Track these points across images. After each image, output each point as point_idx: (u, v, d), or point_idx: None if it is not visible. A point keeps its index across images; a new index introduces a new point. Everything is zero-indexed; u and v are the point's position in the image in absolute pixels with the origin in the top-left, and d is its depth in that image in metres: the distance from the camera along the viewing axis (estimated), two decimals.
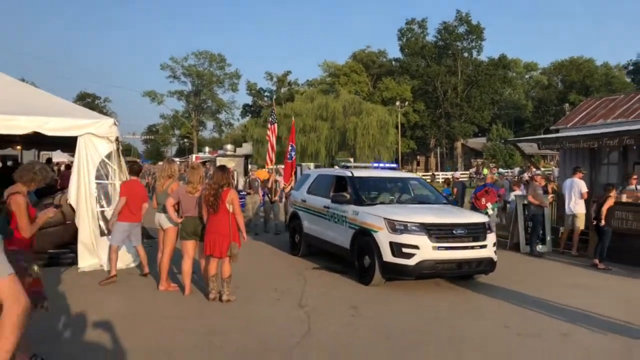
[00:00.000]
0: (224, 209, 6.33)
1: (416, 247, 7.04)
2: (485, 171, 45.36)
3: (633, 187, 10.72)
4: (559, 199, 11.75)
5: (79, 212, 8.08)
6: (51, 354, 4.64)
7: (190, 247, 6.84)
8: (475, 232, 7.48)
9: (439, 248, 7.12)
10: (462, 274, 7.72)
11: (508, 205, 14.11)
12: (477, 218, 7.98)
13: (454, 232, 7.32)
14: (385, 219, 7.38)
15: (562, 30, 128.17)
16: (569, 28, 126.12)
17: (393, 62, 69.08)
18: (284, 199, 13.56)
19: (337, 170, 10.15)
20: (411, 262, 7.02)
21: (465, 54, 62.64)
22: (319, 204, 9.36)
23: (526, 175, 23.91)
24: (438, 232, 7.22)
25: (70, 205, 8.20)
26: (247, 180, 13.98)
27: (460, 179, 19.57)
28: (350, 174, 9.02)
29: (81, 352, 4.77)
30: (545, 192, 11.83)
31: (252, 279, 7.83)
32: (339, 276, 8.30)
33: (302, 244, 9.82)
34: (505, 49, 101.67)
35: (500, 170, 34.38)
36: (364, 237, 7.74)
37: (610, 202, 9.33)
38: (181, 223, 6.81)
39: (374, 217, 7.59)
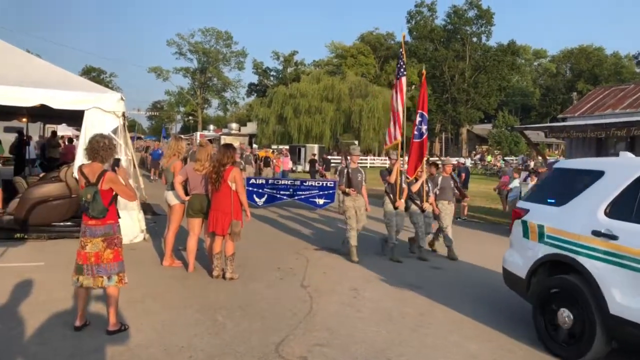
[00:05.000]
0: (226, 186, 6.35)
1: None
2: (490, 158, 45.39)
3: None
4: None
5: None
6: (53, 325, 4.70)
7: (196, 225, 6.88)
8: None
9: None
10: None
11: (510, 193, 14.16)
12: None
13: None
14: None
15: (572, 18, 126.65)
16: (580, 16, 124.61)
17: None
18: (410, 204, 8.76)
19: None
20: None
21: (474, 39, 62.13)
22: None
23: (531, 164, 23.85)
24: None
25: (76, 179, 8.22)
26: (346, 170, 8.36)
27: (464, 164, 19.60)
28: None
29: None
30: None
31: (255, 258, 7.87)
32: (340, 257, 8.35)
33: (595, 339, 4.36)
34: (514, 35, 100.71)
35: (506, 158, 34.29)
36: None
37: None
38: (188, 201, 6.84)
39: None
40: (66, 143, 18.64)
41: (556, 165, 5.84)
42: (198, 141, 20.31)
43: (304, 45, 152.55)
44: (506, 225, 12.04)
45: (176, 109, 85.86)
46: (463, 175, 14.64)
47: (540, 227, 5.13)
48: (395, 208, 8.42)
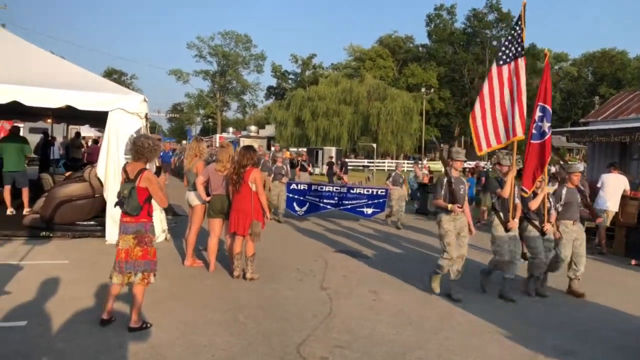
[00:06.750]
0: (247, 187, 6.41)
1: None
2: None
3: None
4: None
5: (107, 186, 8.20)
6: (78, 322, 4.78)
7: (216, 225, 6.94)
8: None
9: None
10: None
11: None
12: None
13: None
14: None
15: (594, 21, 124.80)
16: (602, 19, 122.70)
17: (420, 48, 68.31)
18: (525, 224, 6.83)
19: None
20: None
21: (494, 42, 61.60)
22: None
23: (552, 168, 23.52)
24: None
25: (99, 179, 8.36)
26: (446, 179, 6.48)
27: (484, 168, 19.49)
28: None
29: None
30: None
31: (274, 259, 7.91)
32: (359, 260, 8.35)
33: None
34: (535, 39, 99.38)
35: None
36: None
37: None
38: (209, 201, 6.91)
39: None
40: (89, 144, 18.92)
41: None
42: (218, 143, 20.17)
43: (323, 49, 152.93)
44: None
45: (196, 111, 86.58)
46: (483, 179, 14.53)
47: None
48: (507, 230, 6.54)
